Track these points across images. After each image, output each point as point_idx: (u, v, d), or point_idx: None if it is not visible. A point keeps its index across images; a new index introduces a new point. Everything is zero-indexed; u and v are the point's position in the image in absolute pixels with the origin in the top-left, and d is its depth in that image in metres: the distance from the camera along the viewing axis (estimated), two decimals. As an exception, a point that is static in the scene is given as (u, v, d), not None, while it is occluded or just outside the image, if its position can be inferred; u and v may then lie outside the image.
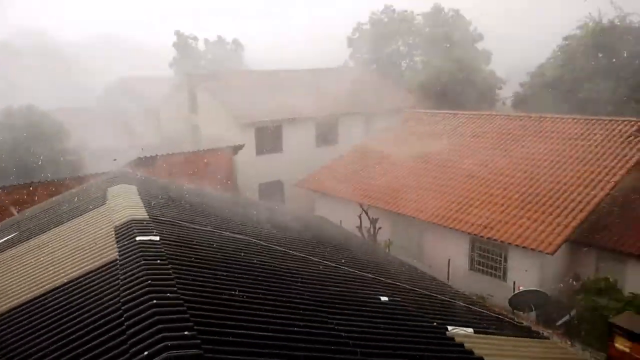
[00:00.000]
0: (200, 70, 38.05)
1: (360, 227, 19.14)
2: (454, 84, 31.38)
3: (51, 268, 6.82)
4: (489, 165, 19.36)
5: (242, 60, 47.55)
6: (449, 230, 17.16)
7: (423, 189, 19.48)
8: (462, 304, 8.53)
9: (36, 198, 15.46)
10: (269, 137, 26.18)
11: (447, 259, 17.02)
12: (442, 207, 18.02)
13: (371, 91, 30.82)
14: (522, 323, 8.19)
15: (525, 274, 15.16)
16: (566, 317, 13.91)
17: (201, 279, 5.66)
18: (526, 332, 7.64)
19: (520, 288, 14.06)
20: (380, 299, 7.22)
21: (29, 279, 6.71)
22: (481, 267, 17.02)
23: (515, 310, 11.66)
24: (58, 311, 5.30)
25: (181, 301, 4.72)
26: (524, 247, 14.96)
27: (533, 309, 10.89)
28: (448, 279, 15.51)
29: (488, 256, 16.78)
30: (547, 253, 14.44)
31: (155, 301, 4.58)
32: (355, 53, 42.48)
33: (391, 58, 40.72)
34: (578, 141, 19.07)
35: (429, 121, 25.04)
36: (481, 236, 16.11)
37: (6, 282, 6.99)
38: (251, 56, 48.17)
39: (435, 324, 6.65)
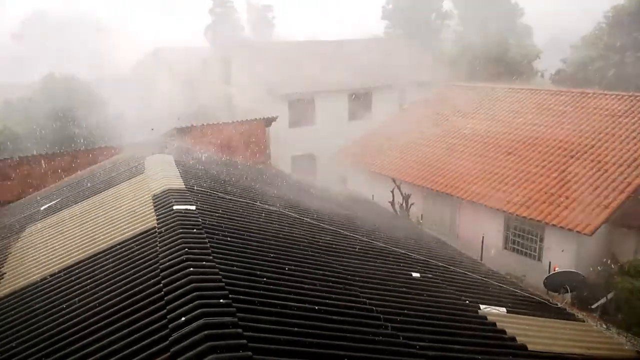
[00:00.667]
0: (235, 38, 37.94)
1: (392, 203, 19.04)
2: (490, 56, 30.38)
3: (92, 234, 7.05)
4: (528, 142, 18.81)
5: (273, 31, 47.14)
6: (484, 208, 16.88)
7: (458, 165, 19.14)
8: (495, 282, 8.43)
9: (76, 166, 15.93)
10: (302, 110, 26.08)
11: (481, 237, 16.79)
12: (477, 183, 17.70)
13: (406, 63, 30.18)
14: (557, 304, 8.04)
15: (561, 255, 14.83)
16: (602, 300, 13.60)
17: (235, 248, 5.74)
18: (561, 314, 7.50)
19: (556, 269, 13.78)
20: (411, 275, 7.20)
21: (71, 245, 6.96)
22: (516, 247, 16.74)
23: (549, 292, 11.45)
24: (99, 276, 5.49)
25: (217, 270, 4.81)
26: (561, 227, 14.61)
27: (568, 290, 10.63)
28: (481, 257, 15.33)
29: (523, 235, 16.47)
30: (585, 234, 14.07)
31: (192, 269, 4.68)
32: (390, 24, 41.48)
33: (426, 29, 39.64)
34: (621, 118, 18.27)
35: (465, 95, 24.41)
36: (517, 215, 15.79)
37: (49, 248, 7.28)
38: (283, 27, 47.78)
39: (467, 302, 6.60)
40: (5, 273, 6.83)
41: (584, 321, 7.37)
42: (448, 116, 22.97)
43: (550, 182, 16.31)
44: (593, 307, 13.32)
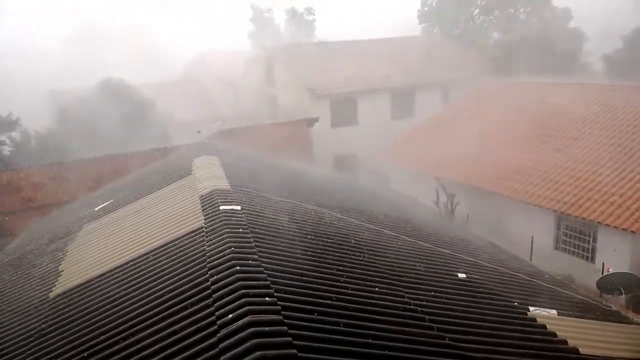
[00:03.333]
0: (276, 42, 38.39)
1: (437, 202, 18.77)
2: (533, 50, 29.35)
3: (144, 233, 7.34)
4: (578, 139, 18.10)
5: (314, 33, 47.30)
6: (533, 207, 16.37)
7: (505, 163, 18.64)
8: (545, 284, 8.19)
9: (129, 168, 16.56)
10: (344, 110, 26.08)
11: (530, 237, 16.30)
12: (526, 182, 17.18)
13: (448, 60, 29.64)
14: (610, 307, 7.73)
15: (615, 256, 14.20)
16: (660, 303, 12.94)
17: (280, 247, 5.85)
18: (614, 317, 7.21)
19: (610, 270, 13.23)
20: (457, 275, 7.10)
21: (124, 244, 7.27)
22: (567, 247, 16.16)
23: (602, 293, 11.01)
24: (150, 274, 5.72)
25: (262, 268, 4.92)
26: (614, 227, 14.00)
27: (622, 292, 10.23)
28: (530, 257, 14.89)
29: (575, 235, 15.88)
30: (641, 234, 13.43)
31: (238, 267, 4.81)
32: (430, 20, 40.79)
33: (468, 25, 38.74)
34: (683, 113, 17.28)
35: (511, 90, 23.72)
36: (568, 214, 15.24)
37: (104, 247, 7.62)
38: (323, 27, 47.76)
39: (516, 303, 6.45)
40: (63, 270, 7.21)
41: (638, 324, 7.05)
42: (493, 113, 22.40)
43: (603, 180, 15.64)
44: (651, 310, 12.69)
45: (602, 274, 13.18)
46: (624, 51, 30.25)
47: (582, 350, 5.28)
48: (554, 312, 6.49)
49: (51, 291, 6.53)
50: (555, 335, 5.57)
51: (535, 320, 5.93)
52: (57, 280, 6.86)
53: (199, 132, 17.50)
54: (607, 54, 31.06)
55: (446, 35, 36.33)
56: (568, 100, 20.80)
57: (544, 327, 5.77)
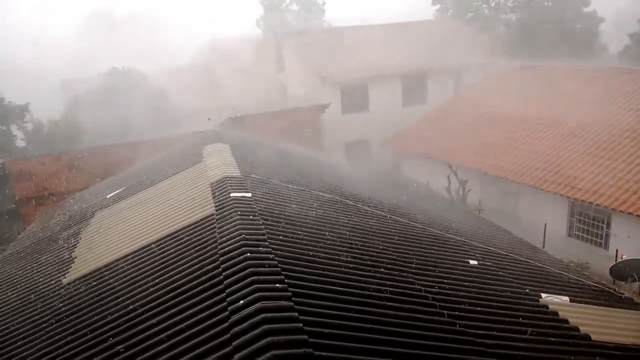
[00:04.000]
0: (286, 27, 38.10)
1: (448, 189, 18.66)
2: (549, 34, 28.83)
3: (155, 221, 7.39)
4: (593, 124, 17.82)
5: (324, 17, 46.81)
6: (546, 194, 16.21)
7: (518, 149, 18.44)
8: (557, 271, 8.13)
9: (139, 155, 16.64)
10: (355, 96, 25.91)
11: (543, 224, 16.17)
12: (539, 168, 16.99)
13: (461, 45, 29.23)
14: (624, 294, 7.66)
15: (629, 242, 14.05)
16: (675, 290, 12.79)
17: (290, 234, 5.85)
18: (627, 304, 7.15)
19: (623, 256, 13.09)
20: (469, 262, 7.07)
21: (136, 231, 7.33)
22: (580, 234, 16.02)
23: (616, 280, 10.91)
24: (162, 261, 5.77)
25: (272, 255, 4.93)
26: (629, 214, 13.83)
27: (636, 279, 10.10)
28: (543, 244, 14.79)
29: (589, 222, 15.72)
30: (657, 220, 13.26)
31: (249, 254, 4.82)
32: (442, 2, 40.16)
33: (481, 9, 38.13)
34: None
35: (525, 76, 23.37)
36: (582, 201, 15.08)
37: (116, 233, 7.69)
38: (334, 12, 47.24)
39: (527, 290, 6.41)
40: (77, 257, 7.30)
41: (653, 312, 6.98)
42: (507, 98, 22.11)
43: (619, 166, 15.42)
44: (665, 297, 12.56)
45: (616, 260, 13.05)
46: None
47: (594, 337, 5.24)
48: (566, 299, 6.45)
49: (65, 277, 6.62)
50: (567, 322, 5.54)
51: (547, 307, 5.90)
52: (70, 267, 6.95)
53: (209, 119, 17.51)
54: (628, 44, 30.40)
55: (459, 19, 35.80)
56: (583, 85, 20.48)
57: (556, 314, 5.73)
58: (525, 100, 21.14)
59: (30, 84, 28.82)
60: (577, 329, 5.37)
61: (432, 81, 27.27)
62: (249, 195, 7.03)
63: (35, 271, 7.52)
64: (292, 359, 3.26)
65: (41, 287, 6.66)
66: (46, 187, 16.67)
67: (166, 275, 5.26)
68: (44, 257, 8.09)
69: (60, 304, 5.70)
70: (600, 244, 15.34)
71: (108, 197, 10.77)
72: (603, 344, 5.16)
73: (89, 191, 13.98)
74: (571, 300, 6.43)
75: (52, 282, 6.67)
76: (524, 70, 24.07)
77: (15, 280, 7.43)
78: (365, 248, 6.30)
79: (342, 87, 25.44)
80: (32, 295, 6.44)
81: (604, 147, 16.51)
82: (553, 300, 6.22)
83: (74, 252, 7.59)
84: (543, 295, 6.33)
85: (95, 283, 5.93)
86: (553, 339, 5.00)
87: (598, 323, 5.81)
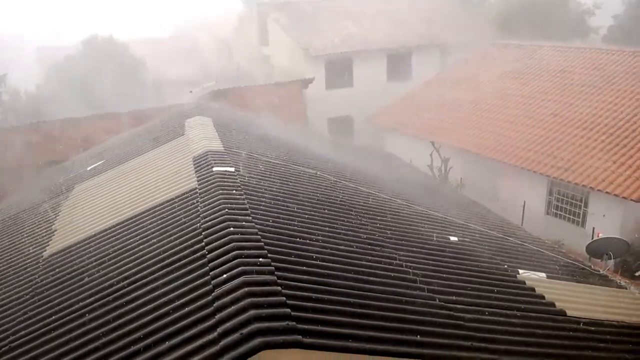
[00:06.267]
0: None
1: (431, 166, 18.79)
2: (538, 12, 28.81)
3: (137, 194, 7.30)
4: (574, 104, 18.00)
5: None
6: (526, 172, 16.42)
7: (500, 128, 18.57)
8: (535, 248, 8.30)
9: (119, 127, 16.34)
10: (339, 71, 25.67)
11: (522, 202, 16.44)
12: (520, 147, 17.17)
13: (448, 21, 29.04)
14: (599, 271, 7.87)
15: (605, 221, 14.38)
16: (647, 267, 13.20)
17: (273, 209, 5.84)
18: (602, 281, 7.36)
19: (600, 235, 13.42)
20: (449, 238, 7.17)
21: (117, 204, 7.24)
22: (558, 212, 16.32)
23: (592, 258, 11.20)
24: (144, 235, 5.72)
25: (255, 230, 4.93)
26: (607, 193, 14.12)
27: (612, 257, 10.38)
28: (522, 222, 15.06)
29: (566, 200, 16.01)
30: (632, 200, 13.55)
31: (232, 229, 4.81)
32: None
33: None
34: (680, 79, 17.17)
35: (510, 54, 23.39)
36: (561, 179, 15.32)
37: (97, 206, 7.59)
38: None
39: (505, 266, 6.55)
40: (56, 230, 7.20)
41: (626, 288, 7.20)
42: (490, 76, 22.16)
43: (598, 146, 15.66)
44: (637, 274, 12.96)
45: (592, 238, 13.38)
46: (624, 17, 29.78)
47: (569, 313, 5.39)
48: (543, 275, 6.60)
49: (45, 250, 6.54)
50: (543, 297, 5.68)
51: (524, 283, 6.03)
52: (50, 240, 6.85)
53: (191, 92, 17.23)
54: (612, 24, 30.50)
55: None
56: (567, 64, 20.61)
57: (533, 289, 5.87)
58: (507, 78, 21.24)
59: (4, 52, 27.91)
60: (553, 305, 5.52)
61: (418, 57, 27.13)
62: (232, 169, 6.98)
63: (14, 244, 7.41)
64: (275, 333, 3.29)
65: (21, 260, 6.57)
66: (25, 158, 16.32)
67: (148, 249, 5.23)
68: (24, 230, 7.96)
69: (40, 277, 5.64)
70: (577, 222, 15.67)
71: (88, 169, 10.59)
72: (577, 319, 5.31)
73: (69, 163, 13.73)
74: (548, 277, 6.59)
75: (32, 255, 6.59)
76: (508, 48, 24.09)
77: (-7, 253, 7.31)
78: (347, 223, 6.33)
79: (326, 61, 25.17)
80: (11, 269, 6.36)
81: (584, 127, 16.73)
82: (530, 276, 6.36)
83: (53, 225, 7.48)
84: (520, 271, 6.47)
85: (75, 256, 5.86)
86: (529, 314, 5.12)
87: (573, 299, 5.98)
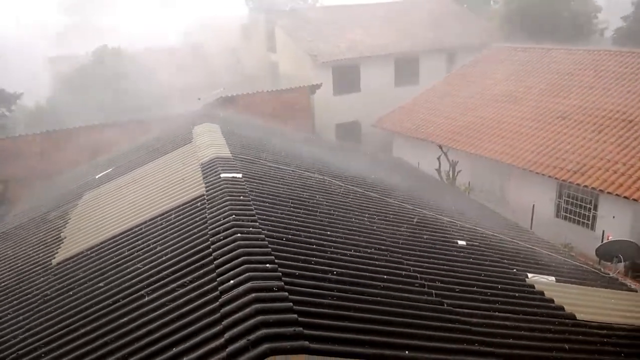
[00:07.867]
0: (276, 5, 37.62)
1: (439, 170, 18.74)
2: (545, 15, 28.69)
3: (145, 201, 7.36)
4: (584, 106, 17.89)
5: None
6: (535, 175, 16.33)
7: (508, 131, 18.50)
8: (544, 251, 8.24)
9: (128, 135, 16.47)
10: (346, 76, 25.73)
11: (531, 205, 16.33)
12: (529, 150, 17.08)
13: (455, 25, 29.06)
14: (608, 274, 7.80)
15: (615, 224, 14.25)
16: (659, 270, 13.04)
17: (281, 215, 5.86)
18: (612, 284, 7.29)
19: (610, 237, 13.29)
20: (457, 242, 7.14)
21: (126, 211, 7.30)
22: (568, 215, 16.20)
23: (602, 261, 11.09)
24: (153, 241, 5.76)
25: (263, 235, 4.95)
26: (616, 195, 13.99)
27: (622, 260, 10.28)
28: (531, 226, 14.96)
29: (576, 203, 15.89)
30: (643, 202, 13.43)
31: (239, 234, 4.83)
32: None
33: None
34: (690, 80, 17.01)
35: (518, 57, 23.32)
36: (570, 182, 15.22)
37: (106, 213, 7.66)
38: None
39: (514, 270, 6.51)
40: (65, 237, 7.27)
41: (636, 291, 7.13)
42: (498, 80, 22.10)
43: (607, 148, 15.55)
44: (649, 277, 12.81)
45: (602, 241, 13.26)
46: (633, 20, 29.60)
47: (578, 316, 5.35)
48: (552, 278, 6.56)
49: (54, 258, 6.60)
50: (552, 301, 5.64)
51: (534, 287, 6.00)
52: (59, 247, 6.92)
53: (199, 99, 17.33)
54: (619, 26, 30.33)
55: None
56: (575, 67, 20.51)
57: (542, 293, 5.83)
58: (515, 81, 21.17)
59: (15, 63, 28.26)
60: (562, 308, 5.48)
61: (425, 62, 27.15)
62: (240, 175, 7.01)
63: (24, 251, 7.49)
64: (282, 338, 3.29)
65: (30, 267, 6.64)
66: (35, 166, 16.51)
67: (156, 256, 5.26)
68: (33, 238, 8.05)
69: (50, 285, 5.69)
70: (587, 225, 15.55)
71: (97, 177, 10.69)
72: (587, 323, 5.27)
73: (78, 171, 13.86)
74: (557, 280, 6.54)
75: (42, 262, 6.66)
76: (516, 51, 24.02)
77: (4, 261, 7.40)
78: (355, 228, 6.33)
79: (333, 67, 25.24)
80: (21, 276, 6.43)
81: (592, 129, 16.62)
82: (539, 280, 6.32)
83: (63, 232, 7.56)
84: (529, 275, 6.43)
85: (84, 263, 5.92)
86: (539, 318, 5.09)
87: (583, 302, 5.93)
